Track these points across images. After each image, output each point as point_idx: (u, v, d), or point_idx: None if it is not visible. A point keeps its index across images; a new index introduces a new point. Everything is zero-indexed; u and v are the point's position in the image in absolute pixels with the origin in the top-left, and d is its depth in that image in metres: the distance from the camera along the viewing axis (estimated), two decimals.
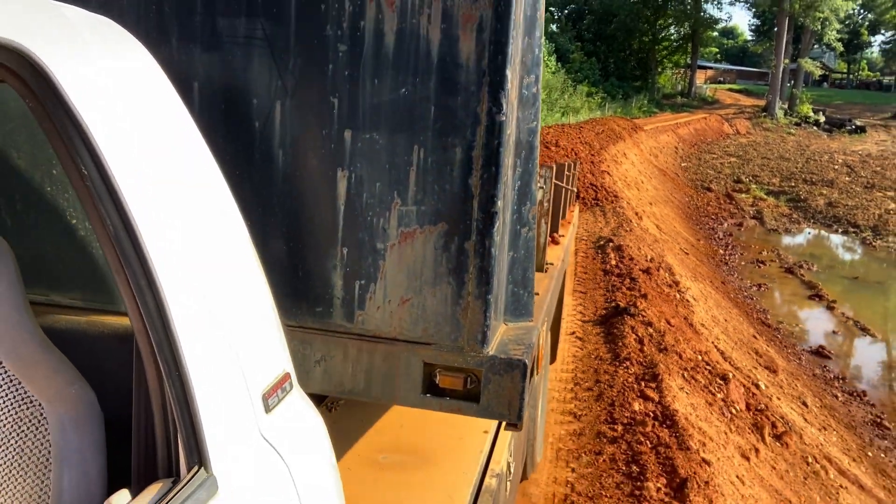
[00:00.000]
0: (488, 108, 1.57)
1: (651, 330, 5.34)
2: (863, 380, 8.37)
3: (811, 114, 40.29)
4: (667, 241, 11.24)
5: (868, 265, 14.64)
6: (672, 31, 46.60)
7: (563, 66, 31.05)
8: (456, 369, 1.72)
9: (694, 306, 7.01)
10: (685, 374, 4.75)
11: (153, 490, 1.00)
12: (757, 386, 5.41)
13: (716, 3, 53.30)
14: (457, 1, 1.54)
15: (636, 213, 11.79)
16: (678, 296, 7.08)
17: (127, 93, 1.04)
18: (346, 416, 1.78)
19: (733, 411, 4.61)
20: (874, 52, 77.28)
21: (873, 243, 15.56)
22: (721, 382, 4.93)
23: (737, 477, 3.64)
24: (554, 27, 38.49)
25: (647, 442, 3.75)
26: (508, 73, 1.55)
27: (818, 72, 48.94)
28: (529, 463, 3.31)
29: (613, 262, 7.71)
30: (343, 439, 2.30)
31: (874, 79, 69.14)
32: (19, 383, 1.23)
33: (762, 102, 43.11)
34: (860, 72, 72.63)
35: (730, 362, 5.75)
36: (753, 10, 49.85)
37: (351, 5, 1.59)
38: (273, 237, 1.73)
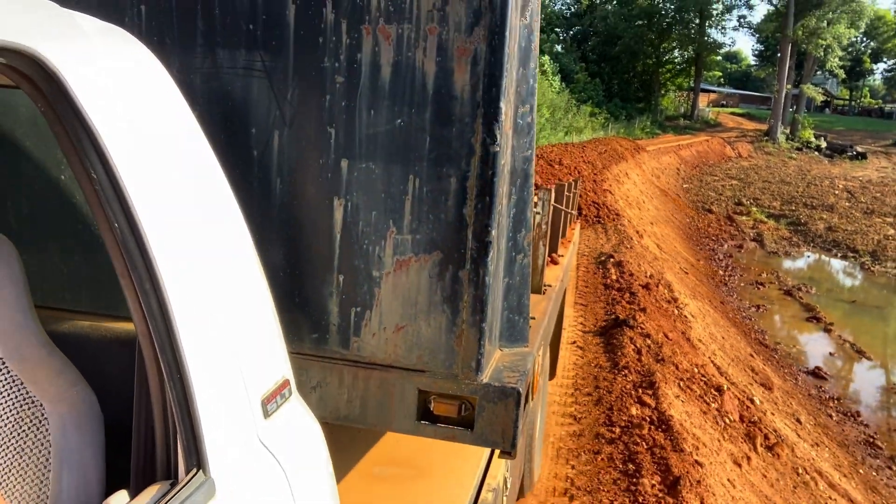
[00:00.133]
0: (483, 139, 1.59)
1: (649, 342, 5.49)
2: (857, 401, 8.44)
3: (813, 139, 40.55)
4: (667, 259, 11.37)
5: (866, 290, 14.74)
6: (676, 55, 47.03)
7: (568, 86, 31.36)
8: (450, 396, 1.73)
9: (692, 322, 7.15)
10: (681, 384, 4.90)
11: (151, 491, 1.01)
12: (751, 400, 5.54)
13: (720, 27, 53.78)
14: (452, 35, 1.57)
15: (637, 232, 11.94)
16: (676, 311, 7.22)
17: (136, 99, 1.05)
18: (341, 427, 1.86)
19: (727, 421, 4.75)
20: (876, 79, 77.90)
21: (872, 268, 15.68)
22: (716, 393, 5.07)
23: (728, 480, 3.78)
24: (559, 47, 38.92)
25: (643, 443, 3.89)
26: (503, 105, 1.58)
27: (820, 98, 49.22)
28: (527, 479, 3.31)
29: (614, 277, 7.87)
30: (338, 450, 2.27)
31: (876, 106, 69.56)
32: (21, 384, 1.23)
33: (764, 126, 43.38)
34: (862, 99, 73.10)
35: (726, 377, 5.88)
36: (757, 35, 50.39)
37: (348, 38, 1.62)
38: (270, 263, 1.72)
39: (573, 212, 4.72)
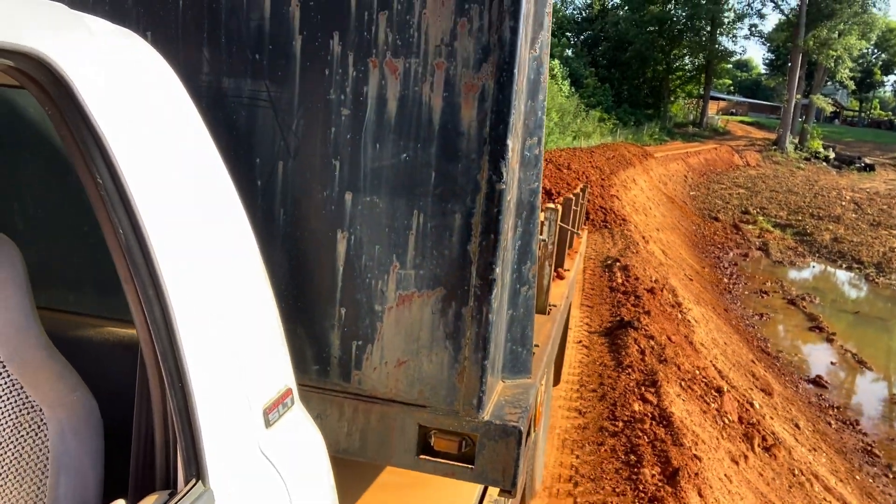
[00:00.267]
0: (489, 176, 1.57)
1: (653, 343, 5.66)
2: (857, 410, 8.50)
3: (821, 149, 40.48)
4: (672, 265, 11.48)
5: (870, 301, 14.78)
6: (686, 62, 46.98)
7: (577, 91, 31.43)
8: (451, 433, 1.71)
9: (695, 327, 7.29)
10: (682, 384, 5.06)
11: (149, 501, 1.00)
12: (751, 404, 5.68)
13: (731, 36, 53.75)
14: (459, 70, 1.55)
15: (643, 237, 12.07)
16: (680, 315, 7.36)
17: (144, 103, 1.04)
18: None
19: (726, 421, 4.90)
20: (887, 91, 77.70)
21: (876, 280, 15.72)
22: (716, 394, 5.23)
23: (725, 475, 3.95)
24: (569, 52, 38.97)
25: (645, 437, 4.07)
26: (510, 142, 1.56)
27: (830, 108, 49.16)
28: (528, 490, 3.34)
29: (620, 281, 8.03)
30: (338, 459, 2.28)
31: (886, 118, 69.36)
32: (21, 388, 1.21)
33: (773, 136, 43.35)
34: (872, 110, 72.90)
35: (726, 380, 6.02)
36: (768, 44, 50.36)
37: (355, 71, 1.60)
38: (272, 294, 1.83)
39: (579, 232, 4.68)
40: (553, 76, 27.28)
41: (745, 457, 4.47)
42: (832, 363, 10.03)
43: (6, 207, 1.88)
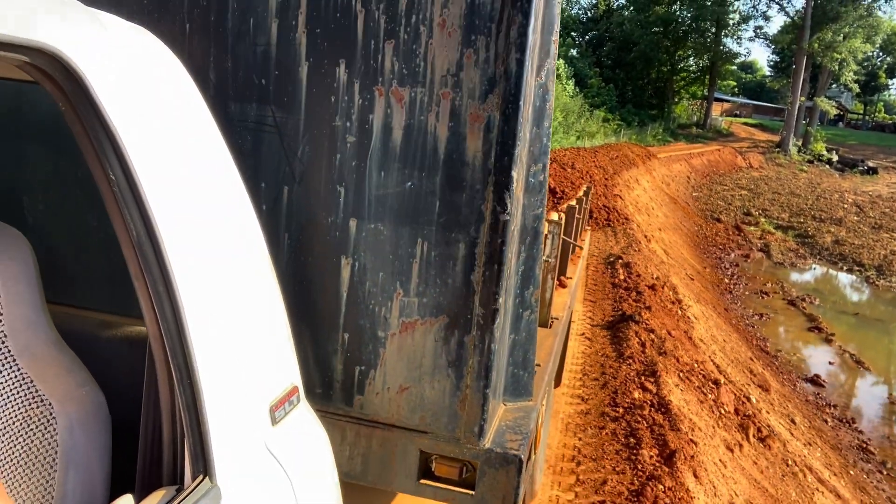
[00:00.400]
0: (493, 207, 1.57)
1: (653, 336, 5.84)
2: (854, 409, 8.60)
3: (824, 152, 40.52)
4: (673, 265, 11.61)
5: (870, 303, 14.86)
6: (691, 63, 47.01)
7: (581, 91, 31.51)
8: (452, 459, 1.73)
9: (694, 323, 7.44)
10: (681, 375, 5.25)
11: (157, 497, 1.00)
12: (748, 398, 5.83)
13: (736, 37, 53.74)
14: (465, 101, 1.55)
15: (645, 236, 12.19)
16: (680, 312, 7.52)
17: (157, 100, 1.04)
18: None
19: (722, 411, 5.07)
20: (891, 94, 77.56)
21: (877, 282, 15.82)
22: (713, 386, 5.40)
23: (720, 461, 4.12)
24: (574, 52, 39.03)
25: (644, 422, 4.25)
26: (514, 173, 1.56)
27: (834, 111, 49.13)
28: (528, 491, 3.43)
29: (622, 277, 8.19)
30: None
31: (890, 121, 69.29)
32: (31, 382, 1.21)
33: (777, 138, 43.38)
34: (876, 114, 72.79)
35: (724, 375, 6.17)
36: (773, 46, 50.37)
37: (360, 99, 1.61)
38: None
39: (581, 245, 4.62)
40: (557, 76, 27.37)
41: (740, 445, 4.64)
42: (830, 363, 10.12)
43: (17, 202, 1.89)
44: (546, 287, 2.79)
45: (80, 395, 1.25)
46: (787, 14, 43.80)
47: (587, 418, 4.42)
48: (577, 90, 30.54)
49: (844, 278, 16.65)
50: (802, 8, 39.65)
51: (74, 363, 1.27)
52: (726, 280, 13.78)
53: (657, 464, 3.65)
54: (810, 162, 38.30)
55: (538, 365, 2.17)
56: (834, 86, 51.59)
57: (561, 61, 30.12)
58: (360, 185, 1.65)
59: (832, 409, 8.27)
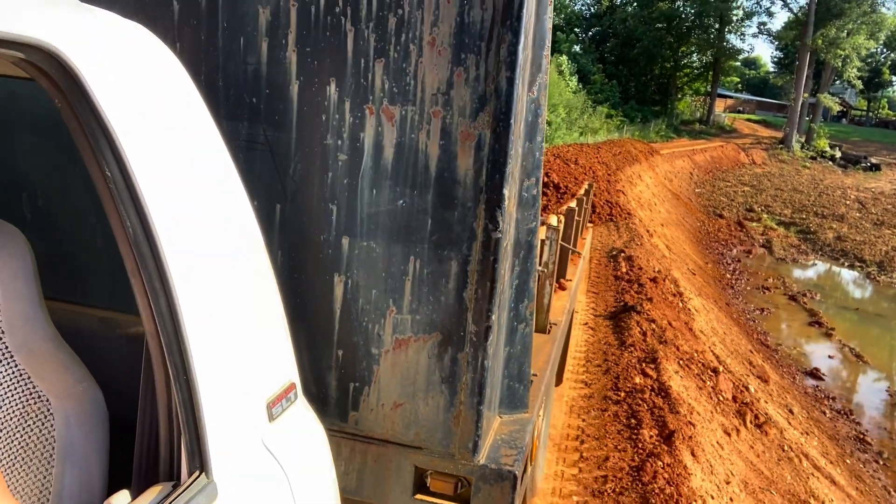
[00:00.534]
0: (485, 224, 1.57)
1: (654, 326, 6.02)
2: (852, 402, 8.70)
3: (827, 149, 40.49)
4: (675, 259, 11.73)
5: (871, 299, 14.93)
6: (694, 59, 46.95)
7: (585, 87, 31.54)
8: (447, 474, 1.73)
9: (695, 315, 7.59)
10: (681, 362, 5.43)
11: (153, 492, 1.00)
12: (746, 388, 5.99)
13: (739, 33, 53.62)
14: (456, 119, 1.54)
15: (647, 231, 12.32)
16: (681, 304, 7.67)
17: (153, 97, 1.03)
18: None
19: (720, 398, 5.25)
20: (895, 91, 77.37)
21: (878, 278, 15.89)
22: (712, 374, 5.58)
23: (717, 443, 4.30)
24: (577, 48, 39.04)
25: (645, 405, 4.44)
26: (506, 191, 1.55)
27: (837, 107, 49.05)
28: (529, 489, 3.45)
29: (624, 270, 8.36)
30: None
31: (893, 118, 69.11)
32: (29, 378, 1.21)
33: (780, 134, 43.35)
34: (880, 110, 72.64)
35: (723, 365, 6.33)
36: (776, 42, 50.29)
37: (351, 117, 1.60)
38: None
39: (580, 251, 4.54)
40: (560, 72, 27.43)
41: (738, 430, 4.81)
42: (830, 357, 10.21)
43: (15, 198, 1.89)
44: (544, 293, 2.79)
45: (78, 392, 1.25)
46: (790, 10, 43.81)
47: (590, 401, 4.62)
48: (581, 86, 30.57)
49: (846, 274, 16.72)
50: (806, 4, 39.59)
51: (72, 359, 1.27)
52: (728, 275, 13.88)
53: (657, 443, 3.84)
54: (813, 158, 38.28)
55: (535, 375, 2.18)
56: (837, 82, 51.50)
57: (564, 57, 30.15)
58: (352, 202, 1.65)
59: (831, 401, 8.38)
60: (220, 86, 1.67)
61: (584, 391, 4.82)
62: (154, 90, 1.03)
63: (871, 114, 71.39)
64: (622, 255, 9.22)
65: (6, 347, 1.19)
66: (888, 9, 40.33)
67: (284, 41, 1.61)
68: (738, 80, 71.10)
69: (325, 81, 1.61)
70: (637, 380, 4.79)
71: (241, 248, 1.19)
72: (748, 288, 13.37)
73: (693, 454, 3.81)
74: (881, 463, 6.89)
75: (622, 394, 4.66)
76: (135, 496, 1.00)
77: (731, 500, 3.69)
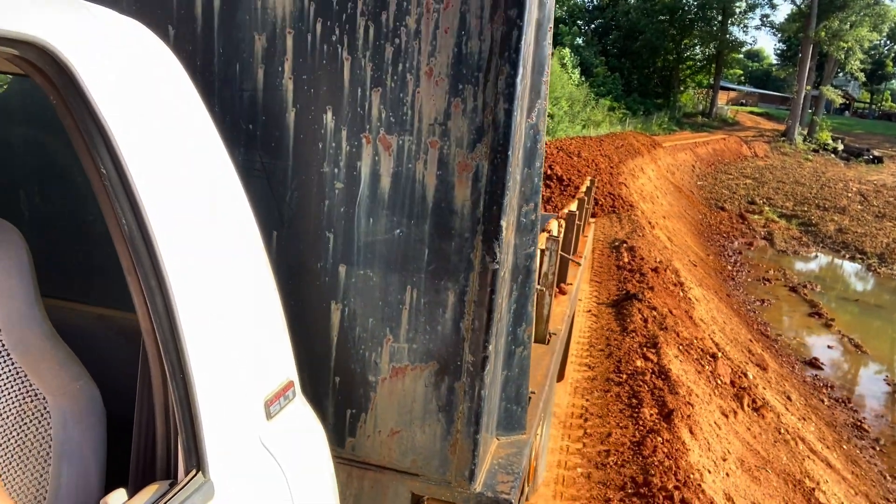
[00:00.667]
0: (482, 255, 1.56)
1: (655, 313, 6.21)
2: (850, 390, 8.83)
3: (830, 141, 40.46)
4: (676, 251, 11.87)
5: (871, 290, 15.04)
6: (697, 52, 46.87)
7: (587, 80, 31.57)
8: (443, 502, 1.74)
9: (695, 304, 7.76)
10: (680, 348, 5.62)
11: (150, 491, 1.00)
12: (745, 374, 6.15)
13: (742, 25, 53.45)
14: (453, 150, 1.53)
15: (649, 223, 12.47)
16: (682, 293, 7.84)
17: (149, 93, 1.02)
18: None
19: (718, 382, 5.44)
20: None
21: (878, 270, 16.00)
22: (710, 359, 5.76)
23: (714, 423, 4.48)
24: (580, 40, 38.99)
25: (645, 386, 4.65)
26: (503, 222, 1.55)
27: (839, 100, 48.97)
28: (530, 489, 3.35)
29: (626, 260, 8.53)
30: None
31: None
32: (25, 376, 1.20)
33: (782, 127, 43.32)
34: (883, 103, 72.39)
35: (722, 352, 6.50)
36: (779, 35, 50.17)
37: (348, 146, 1.60)
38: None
39: (579, 261, 4.46)
40: (563, 64, 27.47)
41: (735, 412, 4.99)
42: (830, 347, 10.34)
43: (11, 196, 1.89)
44: (543, 304, 2.79)
45: (75, 389, 1.25)
46: (793, 2, 43.62)
47: (594, 383, 4.83)
48: (583, 79, 30.60)
49: (847, 266, 16.83)
50: None
51: (69, 357, 1.27)
52: (729, 267, 14.01)
53: (656, 420, 4.04)
54: (815, 151, 38.28)
55: (533, 392, 2.19)
56: (840, 74, 51.39)
57: (567, 50, 30.17)
58: (348, 231, 1.65)
59: (829, 389, 8.52)
60: (217, 112, 1.66)
61: (587, 374, 5.03)
62: (152, 88, 1.03)
63: (873, 106, 71.17)
64: (624, 245, 9.37)
65: (2, 345, 1.18)
66: (891, 1, 40.13)
67: (280, 69, 1.61)
68: (741, 72, 70.86)
69: (321, 109, 1.61)
70: (638, 363, 4.98)
71: (238, 246, 1.18)
72: (749, 279, 13.49)
73: (691, 431, 4.00)
74: (878, 449, 7.03)
75: (624, 376, 4.87)
76: (131, 494, 1.00)
77: (727, 475, 3.88)
